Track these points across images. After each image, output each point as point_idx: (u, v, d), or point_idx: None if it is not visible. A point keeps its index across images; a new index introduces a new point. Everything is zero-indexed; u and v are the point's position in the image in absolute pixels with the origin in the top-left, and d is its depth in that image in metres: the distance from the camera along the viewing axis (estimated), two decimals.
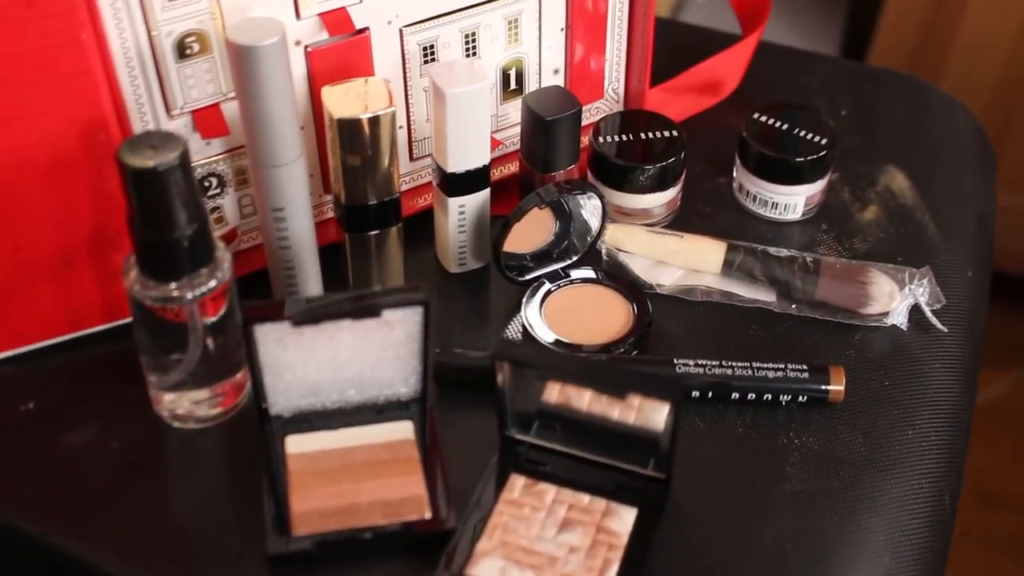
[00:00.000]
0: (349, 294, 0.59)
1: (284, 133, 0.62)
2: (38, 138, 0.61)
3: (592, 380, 0.56)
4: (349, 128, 0.63)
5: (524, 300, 0.70)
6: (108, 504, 0.62)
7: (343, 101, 0.64)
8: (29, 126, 0.60)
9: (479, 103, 0.66)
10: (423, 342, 0.61)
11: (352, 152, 0.64)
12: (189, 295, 0.60)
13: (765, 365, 0.65)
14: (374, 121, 0.63)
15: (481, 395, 0.66)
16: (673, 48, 0.84)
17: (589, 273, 0.72)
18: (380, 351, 0.61)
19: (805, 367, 0.65)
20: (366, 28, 0.68)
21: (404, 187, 0.76)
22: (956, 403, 0.69)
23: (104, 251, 0.66)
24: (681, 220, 0.77)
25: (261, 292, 0.70)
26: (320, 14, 0.66)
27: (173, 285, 0.59)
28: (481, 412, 0.65)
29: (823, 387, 0.65)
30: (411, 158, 0.75)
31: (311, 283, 0.69)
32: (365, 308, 0.58)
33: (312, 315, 0.58)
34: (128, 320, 0.68)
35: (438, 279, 0.74)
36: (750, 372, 0.65)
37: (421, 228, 0.74)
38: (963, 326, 0.73)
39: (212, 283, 0.60)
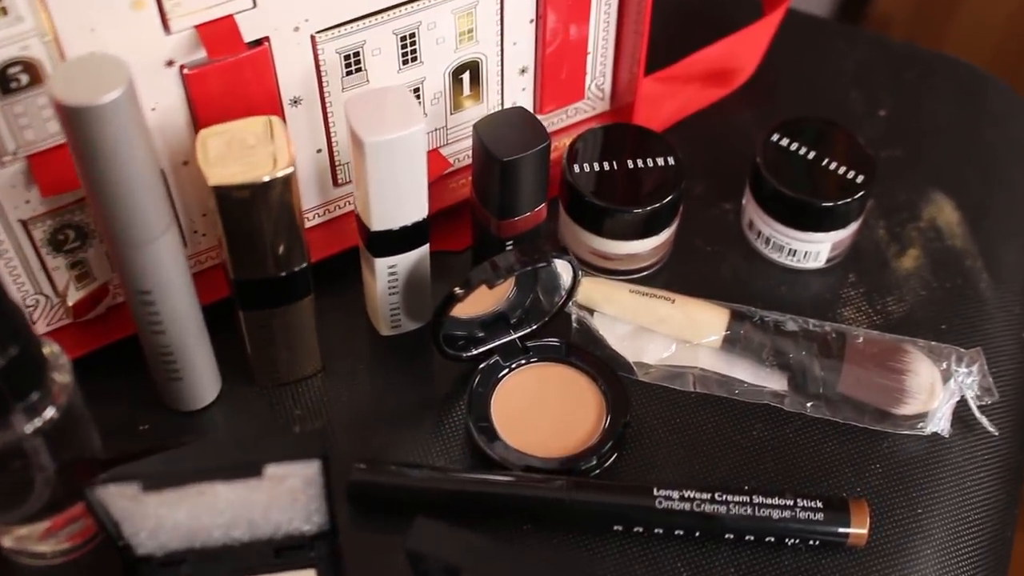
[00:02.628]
0: (220, 445, 0.45)
1: (144, 205, 0.46)
2: None
3: None
4: (229, 198, 0.47)
5: (471, 386, 0.55)
6: None
7: (224, 157, 0.48)
8: None
9: (413, 152, 0.50)
10: (325, 488, 0.47)
11: (236, 225, 0.49)
12: (24, 429, 0.45)
13: (768, 501, 0.51)
14: (264, 188, 0.47)
15: (400, 517, 0.52)
16: (668, 17, 0.67)
17: (554, 346, 0.57)
18: (270, 499, 0.47)
19: (819, 503, 0.52)
20: (264, 39, 0.51)
21: (327, 217, 0.60)
22: (1001, 518, 0.56)
23: None
24: (674, 261, 0.62)
25: (140, 360, 0.55)
26: (197, 26, 0.49)
27: None
28: (399, 540, 0.52)
29: (841, 530, 0.51)
30: (335, 183, 0.59)
31: (196, 366, 0.54)
32: (243, 469, 0.44)
33: (170, 480, 0.44)
34: None
35: (367, 341, 0.59)
36: (750, 510, 0.51)
37: (347, 269, 0.59)
38: (1012, 410, 0.59)
39: (49, 411, 0.45)
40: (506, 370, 0.56)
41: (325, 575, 0.50)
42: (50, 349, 0.46)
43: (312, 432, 0.45)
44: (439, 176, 0.60)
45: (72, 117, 0.43)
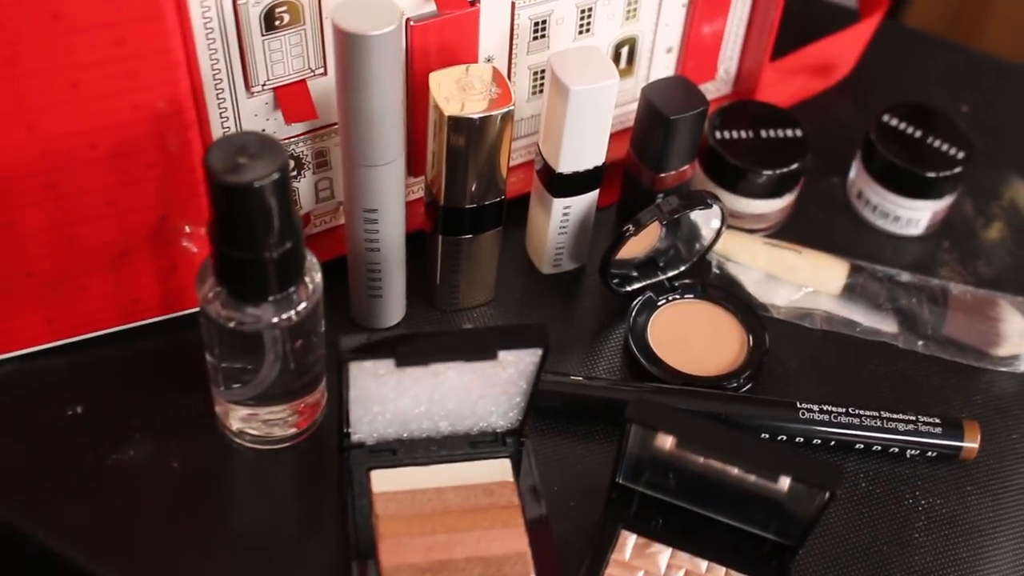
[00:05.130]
0: (461, 331, 0.52)
1: (388, 131, 0.54)
2: (102, 122, 0.52)
3: (741, 457, 0.50)
4: (461, 127, 0.55)
5: (630, 316, 0.63)
6: (165, 535, 0.55)
7: (455, 93, 0.55)
8: (92, 109, 0.51)
9: (604, 102, 0.58)
10: (534, 382, 0.55)
11: (459, 152, 0.56)
12: (274, 318, 0.52)
13: (895, 416, 0.59)
14: (489, 121, 0.55)
15: (574, 424, 0.60)
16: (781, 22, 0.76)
17: (698, 286, 0.65)
18: (486, 388, 0.55)
19: (938, 420, 0.60)
20: (477, 1, 0.59)
21: None
22: None
23: (165, 241, 0.58)
24: (793, 226, 0.70)
25: (336, 283, 0.62)
26: None
27: (256, 307, 0.52)
28: (575, 443, 0.60)
29: (956, 444, 0.60)
30: None
31: (395, 286, 0.61)
32: (482, 351, 0.51)
33: (420, 357, 0.51)
34: (187, 311, 0.61)
35: (527, 279, 0.67)
36: (879, 423, 0.59)
37: (508, 215, 0.67)
38: None
39: (302, 305, 0.53)
40: (663, 301, 0.64)
41: (518, 468, 0.57)
42: (310, 259, 0.54)
43: (537, 324, 0.52)
44: None
45: (349, 44, 0.50)
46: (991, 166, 0.75)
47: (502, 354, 0.52)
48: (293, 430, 0.58)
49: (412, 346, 0.51)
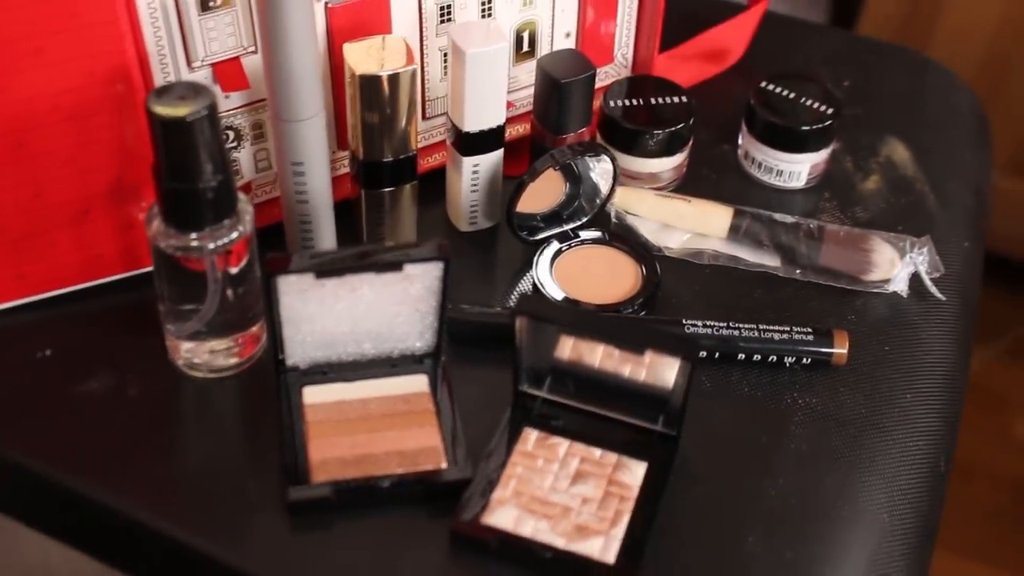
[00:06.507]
0: (372, 247, 0.60)
1: (307, 87, 0.63)
2: (62, 86, 0.61)
3: (612, 336, 0.57)
4: (370, 85, 0.64)
5: (535, 259, 0.71)
6: (126, 451, 0.63)
7: (365, 58, 0.64)
8: (53, 73, 0.60)
9: (497, 63, 0.67)
10: (440, 298, 0.62)
11: (371, 109, 0.65)
12: (210, 245, 0.60)
13: (771, 327, 0.67)
14: (395, 78, 0.64)
15: (490, 351, 0.67)
16: (678, 16, 0.85)
17: (598, 234, 0.73)
18: (398, 305, 0.62)
19: (810, 330, 0.67)
20: None
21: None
22: (952, 368, 0.71)
23: (122, 200, 0.66)
24: (687, 186, 0.78)
25: (275, 245, 0.71)
26: None
27: (195, 235, 0.60)
28: (491, 367, 0.67)
29: (827, 350, 0.67)
30: (423, 117, 0.76)
31: (326, 237, 0.69)
32: (388, 262, 0.59)
33: (335, 267, 0.59)
34: (145, 270, 0.69)
35: (448, 237, 0.75)
36: (757, 334, 0.67)
37: (431, 187, 0.75)
38: (959, 294, 0.75)
39: (234, 235, 0.61)
40: (566, 247, 0.72)
41: (433, 381, 0.64)
42: (242, 199, 0.62)
43: (437, 241, 0.60)
44: None
45: (268, 5, 0.59)
46: (870, 130, 0.83)
47: (408, 267, 0.60)
48: (235, 360, 0.66)
49: (328, 261, 0.59)
